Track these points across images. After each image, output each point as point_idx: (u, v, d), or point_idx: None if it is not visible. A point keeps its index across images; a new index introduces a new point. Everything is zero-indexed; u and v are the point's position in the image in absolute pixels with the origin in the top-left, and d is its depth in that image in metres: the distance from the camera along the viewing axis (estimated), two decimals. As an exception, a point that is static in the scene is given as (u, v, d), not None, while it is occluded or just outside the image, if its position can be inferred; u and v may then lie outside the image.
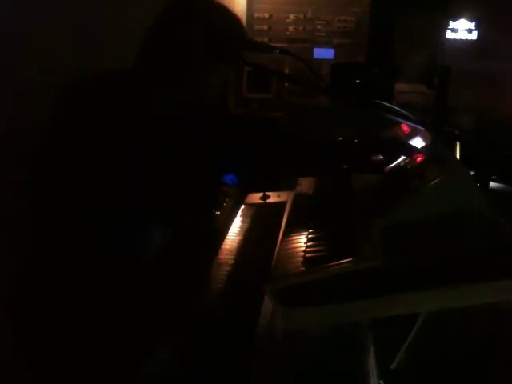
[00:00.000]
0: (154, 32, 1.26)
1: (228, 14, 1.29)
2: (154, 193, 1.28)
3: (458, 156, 1.27)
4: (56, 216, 1.17)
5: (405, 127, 1.35)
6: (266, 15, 3.87)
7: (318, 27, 3.85)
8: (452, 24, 4.15)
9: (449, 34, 4.15)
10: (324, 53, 3.78)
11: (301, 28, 3.86)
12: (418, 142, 1.22)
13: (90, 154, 1.12)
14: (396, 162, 1.27)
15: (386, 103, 1.26)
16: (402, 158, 1.24)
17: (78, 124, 1.16)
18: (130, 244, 1.22)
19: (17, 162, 1.29)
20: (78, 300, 1.15)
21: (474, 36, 4.14)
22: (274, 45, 2.93)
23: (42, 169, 1.20)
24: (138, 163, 1.21)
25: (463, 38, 4.13)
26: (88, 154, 1.13)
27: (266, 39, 3.82)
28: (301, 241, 1.08)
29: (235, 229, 1.63)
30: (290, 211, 1.28)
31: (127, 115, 1.17)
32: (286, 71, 3.27)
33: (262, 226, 1.60)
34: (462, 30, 4.12)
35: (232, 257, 1.45)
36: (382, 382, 1.01)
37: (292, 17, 3.86)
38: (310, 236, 1.09)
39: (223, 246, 1.52)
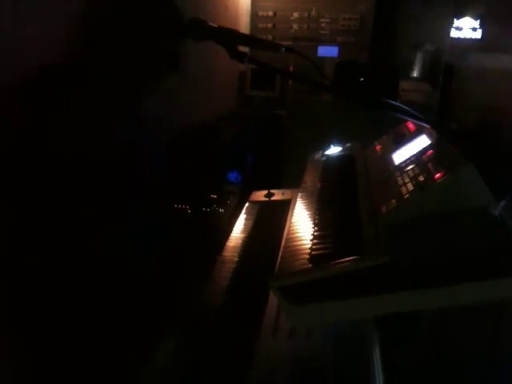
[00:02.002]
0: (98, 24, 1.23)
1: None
2: (157, 190, 1.28)
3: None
4: (56, 218, 1.17)
5: (410, 125, 1.35)
6: (270, 13, 3.87)
7: (322, 25, 3.85)
8: (456, 22, 4.13)
9: (453, 33, 4.13)
10: (328, 51, 3.78)
11: (305, 26, 3.86)
12: (423, 140, 1.22)
13: (87, 154, 1.12)
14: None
15: (391, 101, 1.26)
16: None
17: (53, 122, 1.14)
18: (132, 241, 1.23)
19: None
20: (75, 301, 1.15)
21: (478, 35, 4.12)
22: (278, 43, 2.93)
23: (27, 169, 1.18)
24: (141, 159, 1.21)
25: (467, 36, 4.12)
26: (85, 154, 1.12)
27: (270, 37, 3.82)
28: (306, 238, 1.08)
29: (240, 226, 1.63)
30: (296, 209, 1.28)
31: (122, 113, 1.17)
32: (291, 69, 3.28)
33: (267, 223, 1.60)
34: (466, 28, 4.11)
35: (237, 254, 1.46)
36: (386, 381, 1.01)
37: (296, 15, 3.86)
38: (315, 233, 1.09)
39: (228, 244, 1.52)
